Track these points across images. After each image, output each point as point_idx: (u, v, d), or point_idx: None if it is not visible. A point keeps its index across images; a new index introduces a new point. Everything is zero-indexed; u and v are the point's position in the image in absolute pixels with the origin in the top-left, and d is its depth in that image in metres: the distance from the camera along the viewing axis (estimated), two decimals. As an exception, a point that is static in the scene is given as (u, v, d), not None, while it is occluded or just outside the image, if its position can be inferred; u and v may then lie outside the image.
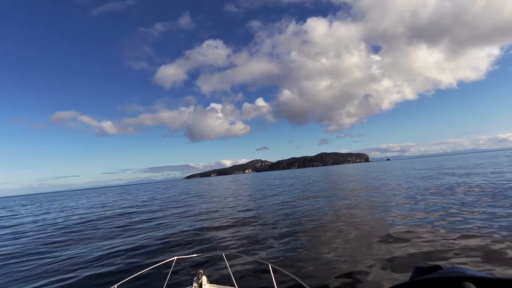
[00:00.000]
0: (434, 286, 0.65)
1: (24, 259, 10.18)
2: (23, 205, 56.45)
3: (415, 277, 0.65)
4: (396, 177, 34.75)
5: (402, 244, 7.73)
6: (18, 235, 16.06)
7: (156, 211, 22.33)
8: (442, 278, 0.65)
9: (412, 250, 7.14)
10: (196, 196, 36.52)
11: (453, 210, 11.58)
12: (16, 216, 30.49)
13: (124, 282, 3.79)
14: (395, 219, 10.97)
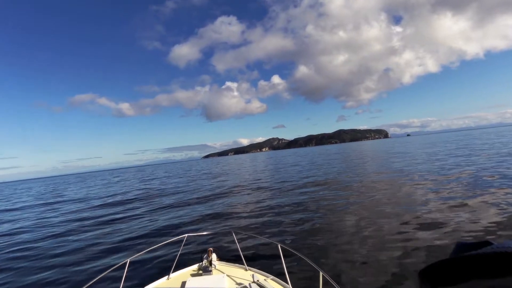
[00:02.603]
0: (482, 264, 0.59)
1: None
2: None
3: (459, 253, 0.60)
4: (420, 155, 33.61)
5: (431, 228, 7.29)
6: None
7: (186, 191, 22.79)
8: (496, 254, 0.59)
9: (443, 234, 6.70)
10: (216, 176, 37.06)
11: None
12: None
13: (136, 257, 3.84)
14: (424, 201, 10.44)
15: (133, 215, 13.10)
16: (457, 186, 11.56)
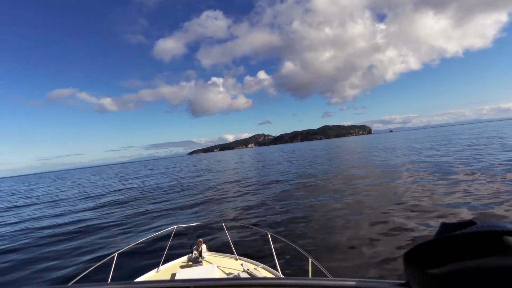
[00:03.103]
0: (471, 241, 0.59)
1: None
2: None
3: (443, 234, 0.59)
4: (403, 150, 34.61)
5: (409, 212, 7.75)
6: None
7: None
8: (480, 232, 0.58)
9: (427, 217, 7.16)
10: (204, 171, 36.92)
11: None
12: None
13: (124, 250, 3.79)
14: (408, 188, 10.99)
15: (105, 224, 10.44)
16: (438, 174, 12.14)
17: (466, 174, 12.10)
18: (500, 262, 0.59)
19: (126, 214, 11.87)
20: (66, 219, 12.38)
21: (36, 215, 14.29)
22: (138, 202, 14.92)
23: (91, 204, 16.46)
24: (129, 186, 25.41)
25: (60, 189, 31.32)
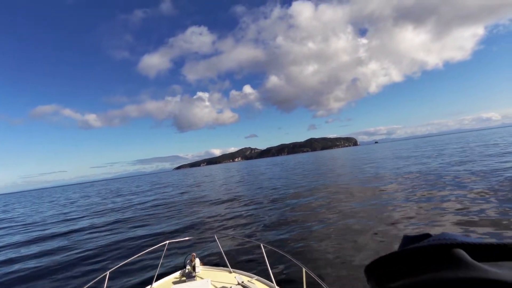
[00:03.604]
0: (424, 254, 0.61)
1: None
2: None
3: (404, 246, 0.61)
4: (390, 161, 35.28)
5: (390, 221, 7.98)
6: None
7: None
8: (431, 246, 0.61)
9: (401, 225, 7.38)
10: (191, 186, 36.42)
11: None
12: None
13: (117, 268, 3.74)
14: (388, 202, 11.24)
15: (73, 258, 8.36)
16: (418, 186, 12.46)
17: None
18: (450, 275, 0.61)
19: (102, 242, 9.80)
20: (32, 249, 10.24)
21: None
22: (120, 224, 13.12)
23: (63, 228, 14.21)
24: (111, 205, 23.78)
25: (35, 210, 28.73)
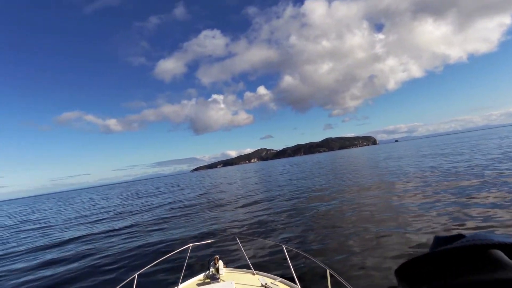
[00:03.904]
0: (457, 256, 0.59)
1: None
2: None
3: (436, 248, 0.59)
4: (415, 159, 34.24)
5: (417, 223, 7.75)
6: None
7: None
8: (465, 247, 0.59)
9: (430, 229, 7.16)
10: (209, 188, 36.73)
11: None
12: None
13: (144, 270, 3.87)
14: (407, 201, 10.95)
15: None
16: (447, 187, 12.02)
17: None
18: (488, 277, 0.59)
19: (129, 245, 9.94)
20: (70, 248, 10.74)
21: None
22: (141, 227, 13.21)
23: (85, 231, 14.48)
24: (130, 207, 24.96)
25: (61, 212, 30.05)
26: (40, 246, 12.22)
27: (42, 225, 19.71)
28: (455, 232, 0.59)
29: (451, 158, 24.50)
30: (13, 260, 10.22)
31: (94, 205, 32.88)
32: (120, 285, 3.34)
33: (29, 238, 14.75)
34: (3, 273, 8.65)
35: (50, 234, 15.10)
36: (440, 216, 7.98)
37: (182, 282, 3.73)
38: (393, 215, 8.70)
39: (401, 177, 17.17)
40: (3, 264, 9.81)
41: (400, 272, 0.59)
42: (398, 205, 10.00)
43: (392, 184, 15.20)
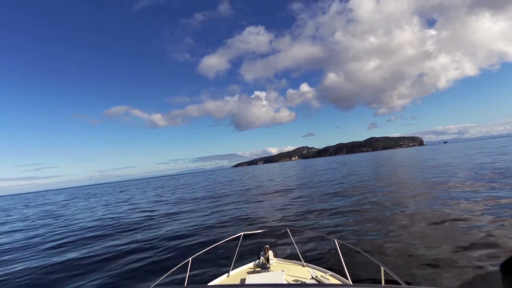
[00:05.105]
0: None
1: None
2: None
3: None
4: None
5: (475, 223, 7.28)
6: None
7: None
8: None
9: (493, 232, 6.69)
10: (256, 181, 37.20)
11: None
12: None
13: (198, 255, 4.13)
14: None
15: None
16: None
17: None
18: None
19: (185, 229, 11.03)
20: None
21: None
22: (199, 213, 14.83)
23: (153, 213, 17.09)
24: (187, 195, 26.15)
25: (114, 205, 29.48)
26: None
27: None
28: None
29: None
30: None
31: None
32: (176, 267, 3.53)
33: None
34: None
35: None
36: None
37: (233, 269, 3.84)
38: (456, 217, 8.15)
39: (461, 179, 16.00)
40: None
41: (507, 266, 0.55)
42: (459, 207, 9.33)
43: (451, 185, 14.19)
